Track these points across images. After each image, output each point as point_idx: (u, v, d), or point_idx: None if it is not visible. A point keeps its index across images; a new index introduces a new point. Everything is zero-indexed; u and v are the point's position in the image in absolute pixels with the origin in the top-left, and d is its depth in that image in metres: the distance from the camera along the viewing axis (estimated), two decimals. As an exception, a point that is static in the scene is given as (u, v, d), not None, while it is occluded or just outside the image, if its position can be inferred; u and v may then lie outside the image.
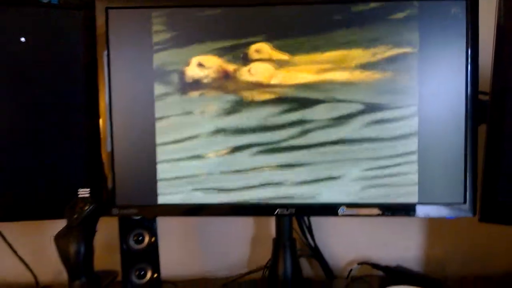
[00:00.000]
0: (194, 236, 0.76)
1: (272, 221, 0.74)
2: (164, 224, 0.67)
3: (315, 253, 0.73)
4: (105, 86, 0.58)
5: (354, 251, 0.75)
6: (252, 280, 0.71)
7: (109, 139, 0.59)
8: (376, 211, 0.57)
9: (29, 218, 0.61)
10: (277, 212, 0.58)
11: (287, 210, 0.57)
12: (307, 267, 0.75)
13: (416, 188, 0.57)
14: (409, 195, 0.57)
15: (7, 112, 0.58)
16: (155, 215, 0.62)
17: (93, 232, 0.55)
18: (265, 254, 0.68)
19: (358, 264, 0.73)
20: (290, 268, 0.66)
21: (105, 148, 0.59)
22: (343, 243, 0.75)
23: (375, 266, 0.71)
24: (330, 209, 0.57)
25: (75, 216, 0.54)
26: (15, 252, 0.70)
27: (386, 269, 0.70)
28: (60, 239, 0.53)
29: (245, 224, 0.76)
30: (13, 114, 0.58)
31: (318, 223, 0.74)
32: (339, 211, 0.57)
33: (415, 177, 0.57)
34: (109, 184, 0.58)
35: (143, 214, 0.60)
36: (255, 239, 0.76)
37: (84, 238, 0.53)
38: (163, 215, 0.61)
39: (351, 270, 0.72)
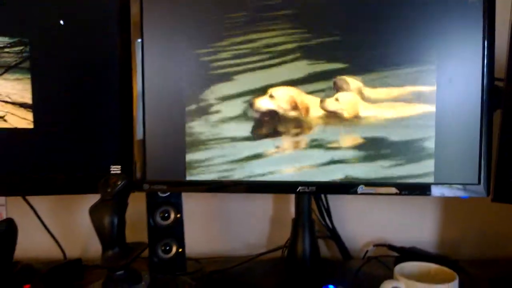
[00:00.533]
0: (216, 216, 0.80)
1: (291, 203, 0.77)
2: (188, 204, 0.70)
3: (333, 235, 0.76)
4: (138, 73, 0.61)
5: (370, 233, 0.78)
6: (271, 259, 0.74)
7: (141, 121, 0.62)
8: (393, 190, 0.59)
9: (62, 193, 0.64)
10: (299, 190, 0.60)
11: (308, 188, 0.60)
12: (324, 248, 0.78)
13: (432, 168, 0.59)
14: (425, 176, 0.59)
15: (45, 93, 0.62)
16: (182, 191, 0.65)
17: (125, 205, 0.58)
18: (284, 235, 0.71)
19: (374, 245, 0.75)
20: (309, 247, 0.68)
21: (137, 129, 0.62)
22: (359, 225, 0.78)
23: (391, 247, 0.73)
24: (349, 187, 0.60)
25: (109, 190, 0.57)
26: (45, 226, 0.74)
27: (401, 250, 0.72)
28: (94, 211, 0.56)
29: (265, 206, 0.79)
30: (50, 94, 0.62)
31: (336, 205, 0.77)
32: (358, 189, 0.59)
33: (431, 159, 0.59)
34: (140, 162, 0.62)
35: (171, 190, 0.63)
36: (274, 220, 0.79)
37: (117, 210, 0.56)
38: (190, 191, 0.64)
39: (367, 251, 0.75)
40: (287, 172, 0.60)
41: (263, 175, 0.61)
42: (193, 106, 0.61)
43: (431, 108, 0.59)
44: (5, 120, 0.60)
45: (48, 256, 0.74)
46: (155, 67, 0.61)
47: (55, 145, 0.62)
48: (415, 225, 0.77)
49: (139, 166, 0.62)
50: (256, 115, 0.61)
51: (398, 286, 0.49)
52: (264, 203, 0.79)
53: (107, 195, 0.57)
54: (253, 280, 0.66)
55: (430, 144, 0.59)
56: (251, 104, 0.61)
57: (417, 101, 0.59)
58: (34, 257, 0.73)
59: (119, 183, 0.58)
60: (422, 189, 0.60)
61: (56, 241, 0.74)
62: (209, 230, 0.79)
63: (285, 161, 0.61)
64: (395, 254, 0.72)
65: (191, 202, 0.73)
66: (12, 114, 0.61)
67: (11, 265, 0.60)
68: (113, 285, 0.54)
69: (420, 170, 0.59)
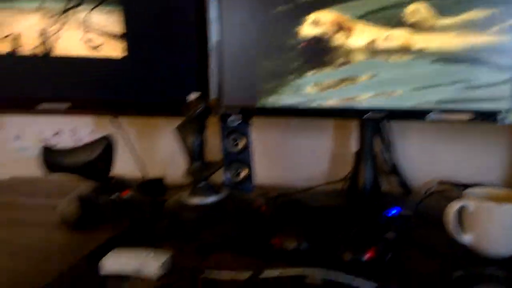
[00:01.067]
0: (279, 149, 0.85)
1: (352, 139, 0.79)
2: (254, 137, 0.76)
3: (394, 170, 0.77)
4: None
5: (433, 170, 0.77)
6: (332, 191, 0.77)
7: (217, 53, 0.67)
8: (465, 116, 0.58)
9: (147, 114, 0.72)
10: (368, 115, 0.62)
11: (377, 113, 0.61)
12: (385, 183, 0.78)
13: (508, 94, 0.57)
14: (499, 103, 0.58)
15: (135, 24, 0.68)
16: (253, 116, 0.70)
17: (204, 126, 0.64)
18: (343, 172, 0.75)
19: (437, 183, 0.76)
20: (370, 180, 0.71)
21: (214, 60, 0.67)
22: (422, 162, 0.78)
23: (454, 184, 0.73)
24: (420, 114, 0.60)
25: (191, 112, 0.64)
26: (131, 148, 0.83)
27: (465, 187, 0.72)
28: (180, 129, 0.63)
29: (326, 141, 0.82)
30: (139, 25, 0.68)
31: (399, 140, 0.77)
32: (429, 116, 0.59)
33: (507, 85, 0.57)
34: (217, 89, 0.68)
35: (244, 114, 0.69)
36: (334, 156, 0.82)
37: (198, 130, 0.63)
38: (261, 115, 0.69)
39: (429, 188, 0.76)
40: (355, 99, 0.61)
41: (329, 100, 0.63)
42: (267, 41, 0.64)
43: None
44: (100, 50, 0.68)
45: (131, 174, 0.82)
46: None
47: (143, 72, 0.69)
48: (482, 163, 0.75)
49: (216, 93, 0.67)
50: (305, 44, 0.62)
51: (467, 205, 0.51)
52: (326, 138, 0.82)
53: (190, 117, 0.64)
54: (317, 204, 0.71)
55: (506, 69, 0.56)
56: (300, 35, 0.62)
57: (496, 24, 0.56)
58: (120, 175, 0.80)
59: (198, 106, 0.64)
60: (495, 116, 0.58)
61: (140, 160, 0.83)
62: (271, 162, 0.85)
63: (351, 88, 0.62)
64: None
65: (257, 135, 0.78)
66: (106, 44, 0.68)
67: (109, 178, 0.70)
68: (197, 194, 0.62)
69: (493, 96, 0.57)
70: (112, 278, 0.48)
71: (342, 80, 0.62)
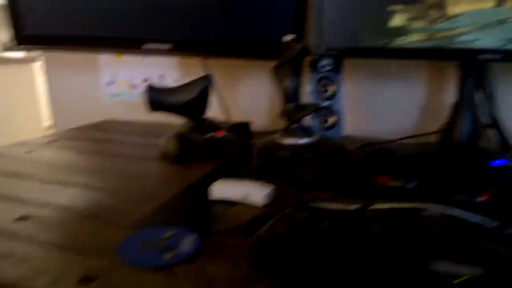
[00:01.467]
0: (367, 98, 0.82)
1: (446, 89, 0.74)
2: (344, 84, 0.74)
3: (495, 124, 0.72)
4: None
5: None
6: (421, 144, 0.74)
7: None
8: None
9: (244, 56, 0.73)
10: (482, 56, 0.57)
11: (492, 54, 0.56)
12: (482, 139, 0.74)
13: None
14: None
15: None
16: (351, 57, 0.69)
17: (300, 67, 0.64)
18: (434, 125, 0.71)
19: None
20: (467, 134, 0.67)
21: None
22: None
23: None
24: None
25: (288, 53, 0.64)
26: (218, 90, 0.84)
27: None
28: (277, 69, 0.64)
29: (420, 92, 0.78)
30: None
31: (502, 93, 0.72)
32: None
33: None
34: (316, 29, 0.66)
35: (335, 59, 0.68)
36: (426, 107, 0.78)
37: (294, 70, 0.63)
38: (359, 57, 0.67)
39: (533, 144, 0.70)
40: (466, 38, 0.56)
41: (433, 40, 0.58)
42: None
43: None
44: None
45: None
46: None
47: (240, 13, 0.69)
48: None
49: (313, 34, 0.66)
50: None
51: None
52: (418, 87, 0.78)
53: (286, 58, 0.64)
54: (407, 154, 0.68)
55: None
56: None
57: None
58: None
59: (295, 48, 0.64)
60: None
61: (224, 106, 0.85)
62: (357, 112, 0.83)
63: (460, 23, 0.57)
64: None
65: (346, 82, 0.76)
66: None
67: (203, 118, 0.73)
68: (290, 135, 0.63)
69: None
70: (219, 203, 0.52)
71: (451, 16, 0.57)
